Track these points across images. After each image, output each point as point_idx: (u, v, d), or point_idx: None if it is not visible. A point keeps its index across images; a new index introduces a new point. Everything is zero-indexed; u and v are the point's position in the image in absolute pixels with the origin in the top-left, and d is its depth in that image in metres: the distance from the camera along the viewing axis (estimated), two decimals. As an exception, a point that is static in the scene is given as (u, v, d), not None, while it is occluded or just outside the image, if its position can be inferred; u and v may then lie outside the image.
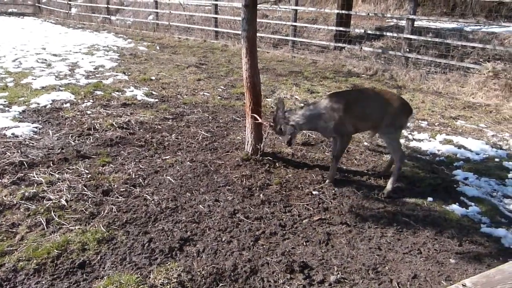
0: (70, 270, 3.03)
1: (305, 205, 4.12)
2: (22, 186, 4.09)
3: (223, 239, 3.48)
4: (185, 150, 5.30)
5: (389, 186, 4.44)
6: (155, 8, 18.27)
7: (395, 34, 11.46)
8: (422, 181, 4.79)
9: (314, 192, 4.38)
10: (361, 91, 4.54)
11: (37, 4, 26.01)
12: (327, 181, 4.60)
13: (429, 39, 10.63)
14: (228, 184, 4.45)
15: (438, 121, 7.06)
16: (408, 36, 10.53)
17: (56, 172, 4.44)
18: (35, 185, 4.14)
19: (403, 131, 6.30)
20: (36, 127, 5.70)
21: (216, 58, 12.25)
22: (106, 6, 21.00)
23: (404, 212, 4.10)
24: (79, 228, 3.49)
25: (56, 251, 3.17)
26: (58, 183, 4.22)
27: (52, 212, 3.69)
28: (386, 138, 4.54)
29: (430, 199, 4.38)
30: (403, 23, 11.83)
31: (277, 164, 4.98)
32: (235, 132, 6.02)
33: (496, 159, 5.56)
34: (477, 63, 9.76)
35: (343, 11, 12.24)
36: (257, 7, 4.69)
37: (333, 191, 4.41)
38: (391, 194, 4.40)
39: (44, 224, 3.53)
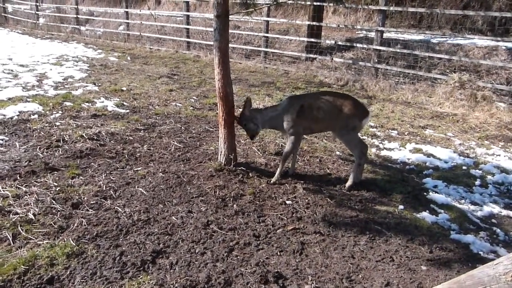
0: (38, 286, 2.93)
1: (279, 215, 4.11)
2: (-13, 200, 3.95)
3: (196, 251, 3.44)
4: (157, 161, 5.24)
5: (349, 181, 4.81)
6: (126, 18, 18.12)
7: (365, 46, 11.69)
8: (393, 189, 4.86)
9: (287, 202, 4.39)
10: (317, 95, 4.91)
11: (3, 14, 25.39)
12: (272, 180, 4.82)
13: (398, 50, 10.89)
14: (201, 195, 4.41)
15: (407, 130, 7.21)
16: (378, 47, 10.76)
17: (23, 185, 4.31)
18: (1, 199, 4.00)
19: (373, 140, 6.42)
20: (2, 139, 5.53)
21: (188, 68, 12.21)
22: (75, 16, 20.67)
23: (376, 220, 4.15)
24: (47, 243, 3.39)
25: (23, 267, 3.06)
26: (26, 196, 4.09)
27: (19, 227, 3.58)
28: (342, 140, 4.90)
29: (401, 207, 4.45)
30: (372, 34, 12.09)
31: (250, 174, 4.97)
32: (208, 142, 5.99)
33: (464, 167, 5.70)
34: (443, 73, 10.04)
35: (314, 23, 12.41)
36: (229, 18, 4.71)
37: (306, 201, 4.43)
38: (351, 188, 4.76)
39: (11, 239, 3.41)
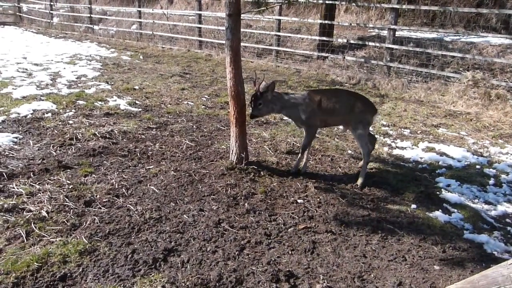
0: (51, 283, 2.95)
1: (290, 214, 4.11)
2: (1, 198, 4.00)
3: (208, 249, 3.45)
4: (169, 159, 5.26)
5: (360, 179, 4.90)
6: (139, 17, 18.22)
7: (377, 44, 11.62)
8: (406, 188, 4.83)
9: (299, 201, 4.37)
10: (334, 91, 5.43)
11: (18, 14, 25.70)
12: (292, 170, 5.06)
13: (410, 49, 10.79)
14: (213, 193, 4.42)
15: (420, 129, 7.15)
16: (390, 45, 10.68)
17: (37, 183, 4.36)
18: (15, 196, 4.05)
19: (386, 139, 6.39)
20: (16, 137, 5.60)
21: (200, 67, 12.24)
22: (88, 15, 20.86)
23: (389, 219, 4.12)
24: (60, 240, 3.42)
25: (36, 264, 3.09)
26: (39, 194, 4.14)
27: (32, 224, 3.62)
28: (355, 134, 4.97)
29: (413, 206, 4.41)
30: (384, 33, 12.02)
31: (262, 173, 4.97)
32: (220, 141, 6.00)
33: (477, 166, 5.64)
34: (457, 72, 9.94)
35: (326, 21, 12.36)
36: (241, 17, 4.70)
37: (318, 200, 4.42)
38: (363, 185, 4.84)
39: (24, 236, 3.45)
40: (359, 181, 4.85)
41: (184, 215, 3.94)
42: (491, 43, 10.99)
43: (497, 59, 9.65)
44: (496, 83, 8.92)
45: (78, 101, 7.45)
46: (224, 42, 4.88)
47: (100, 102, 7.52)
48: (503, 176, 5.39)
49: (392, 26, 10.59)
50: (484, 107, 8.41)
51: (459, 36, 11.92)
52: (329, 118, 4.95)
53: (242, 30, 5.35)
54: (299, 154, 5.04)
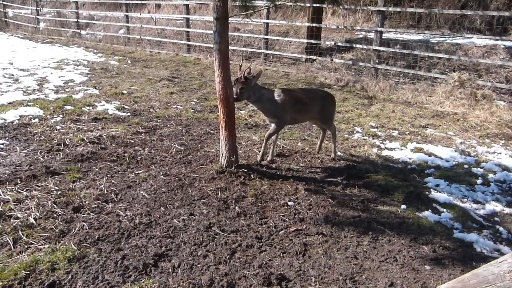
0: (40, 291, 2.91)
1: (281, 216, 4.10)
2: (-12, 205, 3.94)
3: (198, 254, 3.43)
4: (158, 164, 5.23)
5: (333, 152, 5.71)
6: (126, 22, 18.11)
7: (364, 46, 11.69)
8: (395, 189, 4.85)
9: (289, 203, 4.37)
10: (304, 90, 5.84)
11: (3, 19, 25.39)
12: (258, 158, 5.41)
13: (397, 51, 10.88)
14: (203, 197, 4.40)
15: (408, 130, 7.20)
16: (377, 47, 10.75)
17: (24, 190, 4.30)
18: (2, 203, 3.99)
19: (375, 140, 6.43)
20: (2, 144, 5.53)
21: (189, 71, 12.21)
22: (75, 20, 20.69)
23: (379, 220, 4.14)
24: (48, 247, 3.37)
25: (24, 272, 3.05)
26: (26, 200, 4.09)
27: (19, 231, 3.56)
28: (326, 125, 5.65)
29: (403, 206, 4.44)
30: (371, 35, 12.09)
31: (252, 176, 4.96)
32: (209, 144, 5.98)
33: (465, 166, 5.69)
34: (443, 73, 10.04)
35: (314, 24, 12.41)
36: (229, 20, 4.70)
37: (308, 202, 4.42)
38: (337, 156, 5.73)
39: (11, 244, 3.40)
40: (333, 154, 5.69)
41: (175, 220, 3.92)
42: (476, 44, 11.12)
43: (482, 59, 9.76)
44: (482, 83, 9.03)
45: (65, 106, 7.38)
46: (212, 45, 4.87)
47: (88, 107, 7.46)
48: (490, 175, 5.45)
49: (379, 29, 10.67)
50: (471, 107, 8.50)
51: (444, 37, 12.04)
52: (300, 117, 5.47)
53: (230, 33, 5.36)
54: (263, 143, 5.34)
